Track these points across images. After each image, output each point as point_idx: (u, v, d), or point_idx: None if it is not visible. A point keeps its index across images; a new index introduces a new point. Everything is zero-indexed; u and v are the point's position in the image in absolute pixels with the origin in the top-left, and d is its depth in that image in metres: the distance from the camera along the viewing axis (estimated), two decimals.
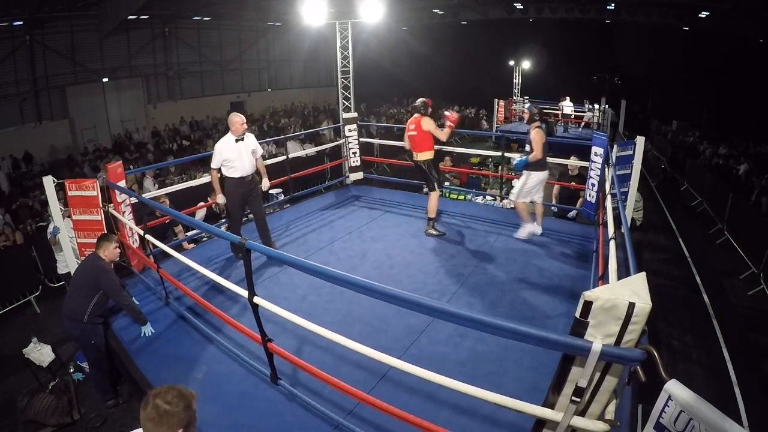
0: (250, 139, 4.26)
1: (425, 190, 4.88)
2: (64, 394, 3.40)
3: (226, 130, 4.26)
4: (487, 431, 2.30)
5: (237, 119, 4.11)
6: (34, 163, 12.73)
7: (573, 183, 5.56)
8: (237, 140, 4.10)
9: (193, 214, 5.37)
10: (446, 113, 4.74)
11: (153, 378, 2.77)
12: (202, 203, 5.63)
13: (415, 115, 4.71)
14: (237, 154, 4.10)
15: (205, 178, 5.64)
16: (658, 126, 17.60)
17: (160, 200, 4.87)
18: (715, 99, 16.86)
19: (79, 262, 3.76)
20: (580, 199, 5.76)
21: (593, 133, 5.66)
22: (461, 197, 6.75)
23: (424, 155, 4.74)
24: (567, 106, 16.44)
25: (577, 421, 1.50)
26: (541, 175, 4.59)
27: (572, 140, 7.44)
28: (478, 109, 19.68)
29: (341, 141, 6.52)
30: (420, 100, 4.77)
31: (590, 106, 16.62)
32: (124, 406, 3.37)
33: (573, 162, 5.57)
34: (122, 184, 4.02)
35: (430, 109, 4.76)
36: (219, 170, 4.20)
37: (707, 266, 6.60)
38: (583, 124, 16.54)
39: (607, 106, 15.47)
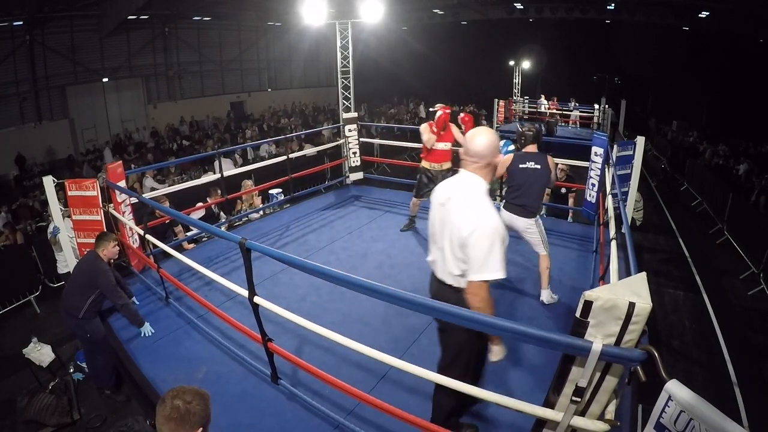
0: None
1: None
2: (64, 394, 3.40)
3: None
4: (487, 431, 2.31)
5: None
6: (33, 164, 12.71)
7: (562, 183, 5.70)
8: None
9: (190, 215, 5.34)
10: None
11: (153, 378, 2.77)
12: (200, 203, 5.61)
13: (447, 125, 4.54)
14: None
15: (205, 178, 5.64)
16: (657, 126, 17.60)
17: (159, 200, 4.86)
18: (715, 99, 16.86)
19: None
20: (571, 200, 5.79)
21: (593, 133, 5.66)
22: None
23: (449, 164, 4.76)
24: (542, 104, 16.80)
25: (577, 421, 1.50)
26: None
27: (569, 140, 7.44)
28: (478, 109, 19.66)
29: (341, 141, 6.52)
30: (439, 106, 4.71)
31: (576, 104, 16.83)
32: (124, 404, 3.37)
33: (561, 160, 5.60)
34: (122, 184, 4.02)
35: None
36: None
37: (707, 266, 6.60)
38: (571, 122, 16.71)
39: (606, 106, 15.50)
